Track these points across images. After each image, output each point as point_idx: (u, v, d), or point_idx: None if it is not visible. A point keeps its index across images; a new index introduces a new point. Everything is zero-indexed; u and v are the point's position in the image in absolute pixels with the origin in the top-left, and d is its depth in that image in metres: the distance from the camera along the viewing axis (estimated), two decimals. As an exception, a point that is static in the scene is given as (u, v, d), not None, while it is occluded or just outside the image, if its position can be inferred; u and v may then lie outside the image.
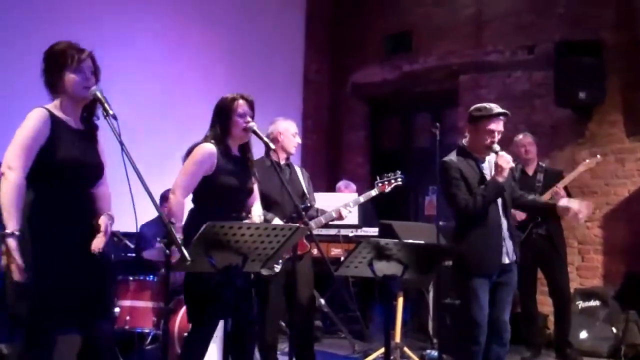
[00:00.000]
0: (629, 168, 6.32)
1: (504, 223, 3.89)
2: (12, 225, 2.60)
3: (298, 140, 4.44)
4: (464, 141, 4.01)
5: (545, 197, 5.44)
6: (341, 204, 4.55)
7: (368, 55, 8.53)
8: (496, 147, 3.86)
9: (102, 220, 2.89)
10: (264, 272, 3.94)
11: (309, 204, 4.37)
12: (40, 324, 2.68)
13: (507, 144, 6.18)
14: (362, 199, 4.64)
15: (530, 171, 5.66)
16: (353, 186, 6.76)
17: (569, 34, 6.64)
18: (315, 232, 4.31)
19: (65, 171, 2.77)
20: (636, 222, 6.20)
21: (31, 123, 2.74)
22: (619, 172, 6.37)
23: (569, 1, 6.77)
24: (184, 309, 4.82)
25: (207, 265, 2.70)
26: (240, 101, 3.44)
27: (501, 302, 3.86)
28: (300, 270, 4.18)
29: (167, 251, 2.64)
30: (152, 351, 4.79)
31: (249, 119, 3.42)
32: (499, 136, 3.89)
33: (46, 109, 2.80)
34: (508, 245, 3.87)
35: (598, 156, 5.60)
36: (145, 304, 4.74)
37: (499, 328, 3.84)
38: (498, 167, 3.81)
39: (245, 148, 3.52)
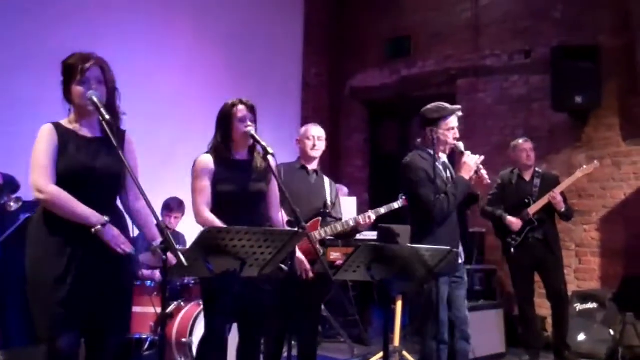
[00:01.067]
0: (625, 171, 6.35)
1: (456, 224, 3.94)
2: (95, 220, 2.71)
3: (316, 143, 4.29)
4: (419, 142, 4.02)
5: (542, 202, 5.47)
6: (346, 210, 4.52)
7: (367, 59, 8.56)
8: (460, 145, 3.90)
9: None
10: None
11: (328, 210, 4.31)
12: (46, 328, 2.70)
13: (504, 147, 6.24)
14: (383, 210, 4.56)
15: (527, 177, 5.68)
16: (345, 190, 6.75)
17: (565, 39, 6.68)
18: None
19: (70, 178, 2.77)
20: (633, 225, 6.23)
21: (39, 140, 2.79)
22: (615, 176, 6.40)
23: (565, 6, 6.81)
24: (181, 314, 4.84)
25: (205, 271, 2.71)
26: (240, 106, 3.45)
27: (458, 299, 3.91)
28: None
29: (164, 256, 2.64)
30: (149, 357, 4.79)
31: (249, 123, 3.42)
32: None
33: (53, 123, 2.84)
34: (460, 246, 3.91)
35: (595, 162, 5.62)
36: (143, 309, 4.74)
37: (460, 323, 3.90)
38: (465, 165, 3.83)
39: (252, 151, 3.51)
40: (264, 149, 3.36)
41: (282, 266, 3.83)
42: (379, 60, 8.43)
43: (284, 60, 8.25)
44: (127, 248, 2.79)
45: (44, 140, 2.78)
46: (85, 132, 2.88)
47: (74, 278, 2.70)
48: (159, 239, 2.82)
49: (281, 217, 3.58)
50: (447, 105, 4.00)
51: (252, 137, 3.40)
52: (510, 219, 5.53)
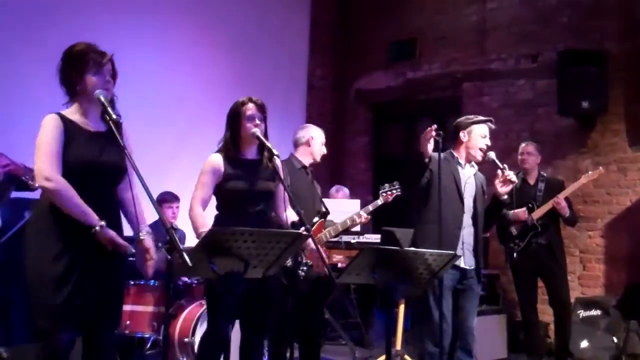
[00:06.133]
0: (631, 178, 6.32)
1: (467, 229, 3.94)
2: (93, 220, 2.71)
3: (324, 150, 4.49)
4: (452, 150, 4.15)
5: (546, 207, 5.44)
6: (340, 209, 4.59)
7: (372, 61, 8.55)
8: (491, 154, 4.03)
9: (147, 243, 2.94)
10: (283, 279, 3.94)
11: (325, 210, 4.39)
12: (46, 325, 2.71)
13: (510, 151, 6.21)
14: (371, 207, 4.66)
15: (531, 180, 5.66)
16: (345, 190, 6.76)
17: (572, 44, 6.65)
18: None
19: (78, 171, 2.77)
20: (638, 232, 6.19)
21: (47, 128, 2.77)
22: (621, 182, 6.37)
23: (573, 11, 6.78)
24: (184, 314, 4.83)
25: (209, 271, 2.70)
26: (249, 105, 3.46)
27: (464, 308, 3.91)
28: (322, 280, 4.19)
29: (169, 257, 2.64)
30: (151, 356, 4.79)
31: (257, 122, 3.43)
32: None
33: (57, 113, 2.83)
34: (467, 252, 3.91)
35: (600, 168, 5.60)
36: (146, 308, 4.73)
37: (463, 334, 3.88)
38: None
39: (262, 151, 3.50)
40: (269, 150, 3.38)
41: (300, 272, 3.91)
42: (384, 63, 8.42)
43: (290, 61, 8.26)
44: (126, 248, 2.79)
45: (51, 130, 2.76)
46: (90, 125, 2.88)
47: (75, 278, 2.71)
48: (144, 226, 2.94)
49: (285, 217, 3.58)
50: (480, 116, 4.19)
51: (257, 137, 3.40)
52: (516, 211, 5.48)
